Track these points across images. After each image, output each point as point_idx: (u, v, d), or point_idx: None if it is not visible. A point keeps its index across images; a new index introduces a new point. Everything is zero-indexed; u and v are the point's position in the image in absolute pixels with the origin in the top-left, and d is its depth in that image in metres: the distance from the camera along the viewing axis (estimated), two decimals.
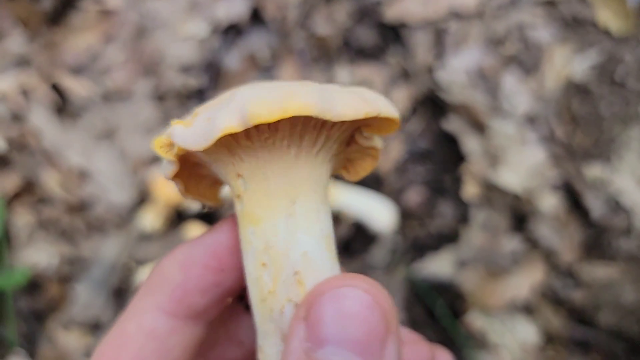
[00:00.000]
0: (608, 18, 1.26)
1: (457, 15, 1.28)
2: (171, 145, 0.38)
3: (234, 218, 0.42)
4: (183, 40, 1.30)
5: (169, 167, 0.39)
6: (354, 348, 0.31)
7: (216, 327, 0.45)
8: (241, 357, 0.47)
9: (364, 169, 0.43)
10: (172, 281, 0.41)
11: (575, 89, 1.23)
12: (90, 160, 1.22)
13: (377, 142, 0.40)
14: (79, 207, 1.19)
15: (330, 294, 0.32)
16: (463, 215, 1.18)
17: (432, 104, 1.25)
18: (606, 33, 1.26)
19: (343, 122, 0.37)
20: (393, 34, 1.30)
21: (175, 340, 0.41)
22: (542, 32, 1.27)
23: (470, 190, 1.17)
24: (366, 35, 1.30)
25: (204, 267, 0.41)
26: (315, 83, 0.39)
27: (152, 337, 0.40)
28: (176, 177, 0.41)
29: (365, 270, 1.15)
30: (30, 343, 1.11)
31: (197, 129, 0.35)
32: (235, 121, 0.33)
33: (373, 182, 1.22)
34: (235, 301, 0.47)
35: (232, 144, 0.37)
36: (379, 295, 0.32)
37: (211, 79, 1.30)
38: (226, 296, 0.42)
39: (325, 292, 0.33)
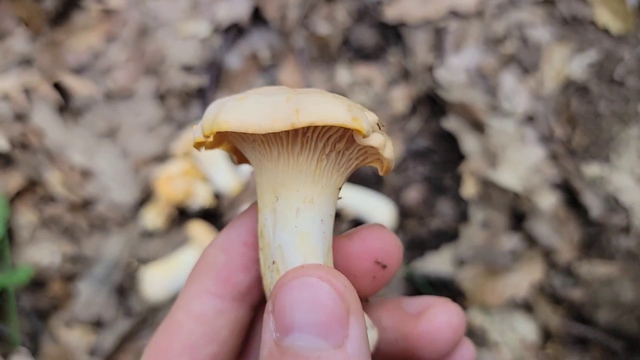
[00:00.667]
0: (607, 17, 1.26)
1: (456, 14, 1.28)
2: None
3: None
4: (184, 39, 1.31)
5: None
6: (317, 331, 0.33)
7: (258, 314, 0.47)
8: None
9: (383, 168, 0.45)
10: (216, 264, 0.43)
11: (575, 88, 1.24)
12: (92, 159, 1.23)
13: (374, 141, 0.41)
14: (82, 206, 1.20)
15: (289, 285, 0.35)
16: (462, 213, 1.19)
17: (432, 103, 1.26)
18: (605, 32, 1.27)
19: (315, 129, 0.39)
20: (393, 34, 1.31)
21: (222, 322, 0.43)
22: (542, 31, 1.27)
23: (469, 188, 1.17)
24: (366, 35, 1.31)
25: (243, 244, 0.43)
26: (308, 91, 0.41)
27: (200, 321, 0.42)
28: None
29: None
30: (33, 341, 1.12)
31: (195, 134, 0.41)
32: (200, 133, 0.40)
33: (373, 181, 1.22)
34: None
35: (237, 139, 0.42)
36: (334, 280, 0.35)
37: (212, 78, 1.30)
38: None
39: (285, 284, 0.35)
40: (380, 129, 0.41)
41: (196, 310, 0.42)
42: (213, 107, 0.39)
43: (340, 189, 0.43)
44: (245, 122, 0.36)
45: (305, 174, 0.41)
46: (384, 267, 0.44)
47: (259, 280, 0.44)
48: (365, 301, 0.47)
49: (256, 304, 0.46)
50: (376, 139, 0.40)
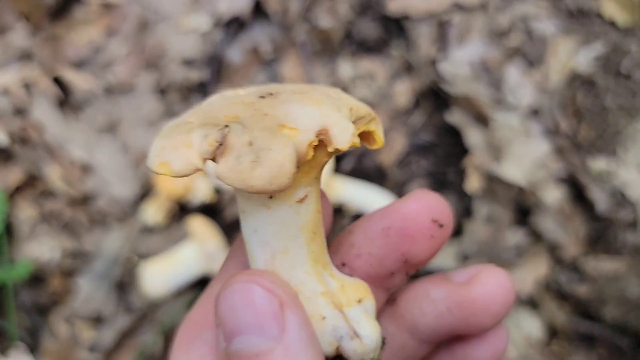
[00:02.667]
0: (613, 9, 1.25)
1: (460, 7, 1.27)
2: None
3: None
4: (185, 33, 1.30)
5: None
6: (254, 331, 0.34)
7: None
8: None
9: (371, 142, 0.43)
10: None
11: (580, 81, 1.22)
12: (92, 154, 1.22)
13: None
14: (82, 201, 1.19)
15: (221, 295, 0.36)
16: (466, 208, 1.17)
17: (435, 97, 1.24)
18: (611, 24, 1.25)
19: None
20: (396, 27, 1.29)
21: None
22: (547, 23, 1.26)
23: (473, 183, 1.16)
24: (369, 28, 1.30)
25: None
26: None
27: None
28: None
29: None
30: (32, 337, 1.11)
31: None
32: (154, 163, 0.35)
33: (376, 175, 1.21)
34: None
35: None
36: (259, 279, 0.36)
37: (213, 72, 1.29)
38: None
39: (218, 296, 0.36)
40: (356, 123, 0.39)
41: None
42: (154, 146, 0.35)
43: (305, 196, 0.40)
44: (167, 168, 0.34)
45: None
46: (441, 225, 0.43)
47: None
48: (412, 277, 0.48)
49: None
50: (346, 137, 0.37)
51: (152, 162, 0.35)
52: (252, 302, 0.35)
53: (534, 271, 1.11)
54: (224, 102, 0.40)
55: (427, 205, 0.43)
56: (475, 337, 0.48)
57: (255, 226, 0.39)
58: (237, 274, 0.37)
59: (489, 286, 0.45)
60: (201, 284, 1.14)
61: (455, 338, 0.48)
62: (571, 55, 1.23)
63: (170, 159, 0.34)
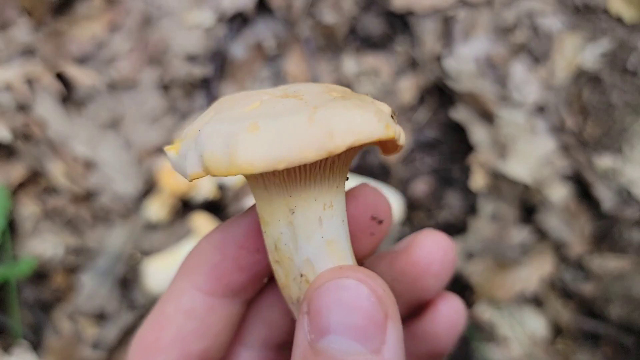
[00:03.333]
0: (620, 5, 1.23)
1: (465, 2, 1.26)
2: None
3: None
4: (189, 29, 1.29)
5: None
6: (353, 335, 0.32)
7: (251, 306, 0.46)
8: (273, 336, 0.47)
9: (389, 150, 0.43)
10: (210, 261, 0.41)
11: (586, 78, 1.21)
12: (95, 150, 1.22)
13: (401, 140, 0.39)
14: (85, 197, 1.19)
15: (326, 286, 0.34)
16: (471, 205, 1.17)
17: (440, 93, 1.23)
18: (618, 21, 1.24)
19: None
20: (400, 23, 1.28)
21: (213, 318, 0.42)
22: (553, 19, 1.25)
23: (478, 180, 1.15)
24: (373, 24, 1.29)
25: (239, 247, 0.41)
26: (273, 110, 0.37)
27: (191, 316, 0.41)
28: None
29: None
30: (36, 333, 1.11)
31: (178, 162, 0.36)
32: (198, 168, 0.34)
33: (380, 172, 1.20)
34: (271, 281, 0.47)
35: None
36: (373, 284, 0.34)
37: (217, 68, 1.28)
38: (263, 275, 0.43)
39: (321, 286, 0.34)
40: (393, 118, 0.38)
41: (186, 306, 0.41)
42: (217, 140, 0.33)
43: (347, 178, 0.41)
44: (273, 160, 0.32)
45: (320, 181, 0.39)
46: (380, 222, 0.43)
47: (253, 280, 0.43)
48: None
49: (249, 299, 0.45)
50: (402, 138, 0.38)
51: (379, 127, 0.34)
52: (360, 304, 0.33)
53: (539, 269, 1.10)
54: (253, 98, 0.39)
55: (365, 203, 0.43)
56: (428, 312, 0.48)
57: (342, 216, 0.39)
58: (345, 268, 0.35)
59: (426, 247, 0.45)
60: None
61: (410, 317, 0.48)
62: (577, 52, 1.22)
63: (390, 122, 0.35)
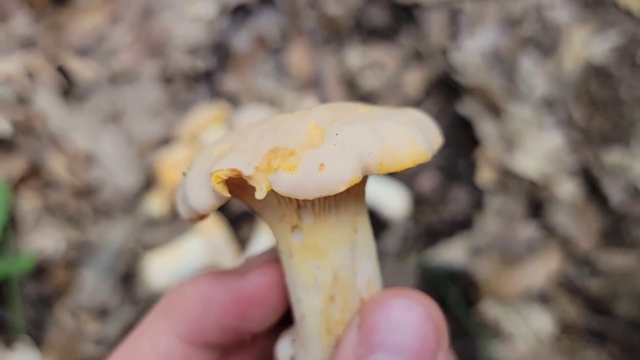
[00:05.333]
0: None
1: None
2: (225, 182, 0.35)
3: (266, 264, 0.41)
4: (190, 20, 1.27)
5: (215, 202, 0.35)
6: (406, 356, 0.32)
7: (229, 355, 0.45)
8: None
9: None
10: (192, 311, 0.40)
11: (595, 72, 1.19)
12: (96, 144, 1.20)
13: None
14: (86, 192, 1.18)
15: (385, 303, 0.33)
16: (477, 201, 1.15)
17: (446, 87, 1.22)
18: (627, 13, 1.22)
19: None
20: (406, 14, 1.26)
21: None
22: (561, 12, 1.23)
23: (485, 175, 1.14)
24: (378, 16, 1.27)
25: (225, 310, 0.40)
26: (391, 110, 0.37)
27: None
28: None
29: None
30: (37, 329, 1.10)
31: (309, 177, 0.32)
32: (359, 171, 0.32)
33: None
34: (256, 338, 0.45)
35: None
36: (432, 309, 0.33)
37: (219, 60, 1.27)
38: (246, 336, 0.42)
39: (382, 301, 0.33)
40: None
41: (163, 349, 0.39)
42: (387, 137, 0.33)
43: None
44: (419, 152, 0.32)
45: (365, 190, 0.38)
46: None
47: (236, 340, 0.41)
48: None
49: (232, 353, 0.43)
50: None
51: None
52: (418, 327, 0.32)
53: (546, 265, 1.09)
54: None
55: None
56: None
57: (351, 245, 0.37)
58: (406, 289, 0.35)
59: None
60: None
61: None
62: (586, 45, 1.20)
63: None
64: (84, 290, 1.12)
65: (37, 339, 1.09)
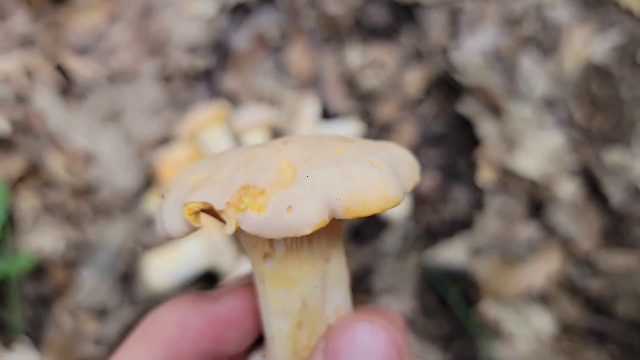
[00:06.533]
0: None
1: None
2: (199, 211, 0.35)
3: (241, 287, 0.42)
4: (190, 19, 1.27)
5: (186, 230, 0.36)
6: None
7: None
8: None
9: None
10: (168, 336, 0.40)
11: (595, 71, 1.19)
12: (95, 143, 1.20)
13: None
14: (85, 191, 1.17)
15: (348, 327, 0.34)
16: (478, 201, 1.15)
17: (447, 86, 1.21)
18: (628, 13, 1.22)
19: None
20: (406, 13, 1.26)
21: None
22: (561, 11, 1.22)
23: (485, 175, 1.13)
24: (378, 15, 1.26)
25: (200, 333, 0.40)
26: (368, 147, 0.37)
27: None
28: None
29: (376, 257, 1.12)
30: (36, 328, 1.10)
31: (276, 218, 0.32)
32: (326, 215, 0.32)
33: None
34: None
35: None
36: (394, 332, 0.34)
37: (219, 59, 1.26)
38: (223, 359, 0.42)
39: (345, 325, 0.34)
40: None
41: None
42: (354, 179, 0.33)
43: None
44: (387, 198, 0.33)
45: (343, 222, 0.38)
46: None
47: None
48: None
49: None
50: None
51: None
52: (380, 351, 0.33)
53: (546, 266, 1.09)
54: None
55: None
56: None
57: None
58: (369, 312, 0.35)
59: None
60: (205, 276, 1.12)
61: None
62: (586, 44, 1.20)
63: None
64: (82, 290, 1.12)
65: (36, 339, 1.09)
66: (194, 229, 0.36)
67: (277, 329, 0.38)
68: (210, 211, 0.35)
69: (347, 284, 0.39)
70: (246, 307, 0.41)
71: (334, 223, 0.36)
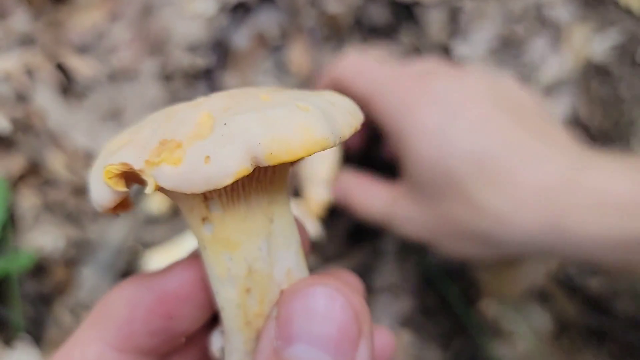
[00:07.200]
0: None
1: None
2: (122, 175, 0.34)
3: (189, 260, 0.40)
4: (190, 18, 1.27)
5: (112, 196, 0.34)
6: (325, 347, 0.30)
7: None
8: None
9: None
10: (118, 317, 0.39)
11: (595, 70, 1.19)
12: (96, 141, 1.20)
13: None
14: (85, 189, 1.18)
15: (301, 292, 0.32)
16: None
17: None
18: (628, 12, 1.22)
19: None
20: (406, 12, 1.26)
21: None
22: (561, 10, 1.23)
23: None
24: (378, 14, 1.27)
25: (149, 311, 0.39)
26: (297, 94, 0.35)
27: None
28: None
29: (376, 255, 1.13)
30: (36, 327, 1.10)
31: (193, 170, 0.31)
32: (247, 162, 0.30)
33: (387, 167, 1.19)
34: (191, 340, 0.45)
35: None
36: (351, 296, 0.32)
37: (219, 58, 1.27)
38: (178, 338, 0.41)
39: (298, 291, 0.32)
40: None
41: (91, 357, 0.38)
42: (269, 125, 0.31)
43: None
44: (314, 140, 0.31)
45: (287, 176, 0.37)
46: None
47: (166, 343, 0.40)
48: None
49: (165, 356, 0.42)
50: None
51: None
52: (336, 315, 0.31)
53: (545, 264, 1.09)
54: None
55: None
56: None
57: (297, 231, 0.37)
58: (324, 276, 0.33)
59: None
60: None
61: None
62: (586, 44, 1.20)
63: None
64: (83, 288, 1.12)
65: (37, 337, 1.09)
66: (120, 195, 0.34)
67: (225, 298, 0.36)
68: (133, 175, 0.34)
69: (298, 245, 0.37)
70: (195, 280, 0.39)
71: (273, 177, 0.35)
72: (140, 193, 1.17)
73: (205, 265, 0.37)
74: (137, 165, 0.32)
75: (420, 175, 0.75)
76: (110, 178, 0.33)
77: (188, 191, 0.31)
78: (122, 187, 0.33)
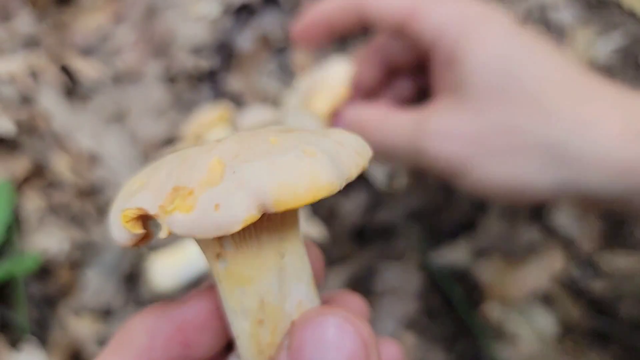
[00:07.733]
0: None
1: None
2: (139, 217, 0.35)
3: (205, 290, 0.42)
4: (194, 20, 1.27)
5: (130, 237, 0.36)
6: None
7: None
8: None
9: None
10: (139, 344, 0.40)
11: (598, 73, 1.19)
12: (100, 144, 1.20)
13: None
14: (90, 192, 1.18)
15: (312, 322, 0.33)
16: (480, 202, 1.16)
17: None
18: (631, 15, 1.22)
19: None
20: None
21: None
22: (564, 13, 1.23)
23: None
24: None
25: (169, 339, 0.40)
26: (306, 137, 0.36)
27: None
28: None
29: (379, 258, 1.13)
30: (41, 329, 1.10)
31: (204, 217, 0.32)
32: (255, 210, 0.31)
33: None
34: None
35: None
36: (359, 325, 0.33)
37: (223, 60, 1.27)
38: None
39: (308, 320, 0.33)
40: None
41: None
42: (277, 172, 0.32)
43: None
44: (320, 186, 0.32)
45: (298, 215, 0.38)
46: None
47: None
48: None
49: None
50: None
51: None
52: (345, 345, 0.32)
53: (549, 267, 1.10)
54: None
55: None
56: None
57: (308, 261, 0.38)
58: (334, 307, 0.35)
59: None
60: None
61: None
62: (589, 46, 1.20)
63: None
64: (87, 291, 1.13)
65: (42, 339, 1.09)
66: (142, 236, 0.36)
67: (239, 328, 0.37)
68: (149, 217, 0.35)
69: (309, 277, 0.38)
70: (212, 310, 0.41)
71: (284, 218, 0.36)
72: None
73: (220, 296, 0.39)
74: (152, 211, 0.33)
75: (481, 78, 0.67)
76: (127, 222, 0.34)
77: (200, 237, 0.32)
78: (139, 230, 0.35)
